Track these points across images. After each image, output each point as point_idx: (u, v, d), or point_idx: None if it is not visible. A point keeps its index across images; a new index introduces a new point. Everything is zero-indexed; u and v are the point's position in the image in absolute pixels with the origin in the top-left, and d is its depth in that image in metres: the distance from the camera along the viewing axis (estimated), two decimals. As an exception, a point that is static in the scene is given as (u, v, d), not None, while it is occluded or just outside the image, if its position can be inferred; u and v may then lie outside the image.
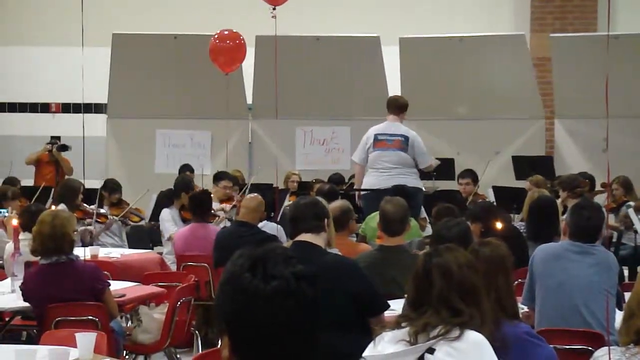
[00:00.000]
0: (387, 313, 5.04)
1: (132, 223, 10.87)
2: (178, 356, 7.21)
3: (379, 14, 14.66)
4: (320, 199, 6.06)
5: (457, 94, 13.44)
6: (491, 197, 11.01)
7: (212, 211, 9.61)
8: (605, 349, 3.45)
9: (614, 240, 10.32)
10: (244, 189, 10.76)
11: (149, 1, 15.26)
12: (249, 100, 13.76)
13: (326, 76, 13.42)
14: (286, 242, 6.51)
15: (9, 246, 7.40)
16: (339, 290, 4.87)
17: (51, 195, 10.81)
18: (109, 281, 6.35)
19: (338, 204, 7.67)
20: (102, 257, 8.38)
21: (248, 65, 13.19)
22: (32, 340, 6.54)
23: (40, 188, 10.99)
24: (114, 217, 10.40)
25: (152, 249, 10.81)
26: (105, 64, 13.34)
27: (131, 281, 7.34)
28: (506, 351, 3.74)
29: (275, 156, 13.16)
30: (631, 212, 10.01)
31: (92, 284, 6.06)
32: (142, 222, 11.00)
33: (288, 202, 10.46)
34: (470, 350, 3.44)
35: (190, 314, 7.09)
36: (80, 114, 13.65)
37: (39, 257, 6.10)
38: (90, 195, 10.23)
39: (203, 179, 11.81)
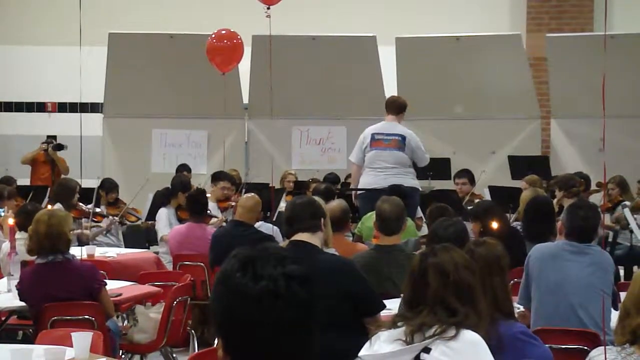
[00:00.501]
0: (383, 313, 5.04)
1: (129, 223, 10.88)
2: (174, 356, 7.21)
3: (376, 13, 14.66)
4: (316, 198, 6.06)
5: (454, 94, 13.44)
6: (487, 196, 11.02)
7: (209, 212, 9.60)
8: (600, 348, 3.45)
9: (610, 240, 10.33)
10: (240, 188, 10.76)
11: (145, 1, 15.25)
12: (246, 100, 13.76)
13: (323, 76, 13.42)
14: (282, 242, 6.51)
15: (5, 245, 7.40)
16: (335, 290, 4.87)
17: (47, 195, 10.80)
18: (105, 280, 6.35)
19: (338, 203, 7.66)
20: (99, 257, 8.39)
21: (245, 65, 13.19)
22: (28, 339, 6.54)
23: (36, 187, 10.97)
24: (114, 217, 10.40)
25: (149, 248, 10.81)
26: (101, 64, 13.33)
27: (127, 280, 7.34)
28: (502, 351, 3.74)
29: (272, 156, 13.16)
30: (627, 211, 10.02)
31: (88, 284, 6.06)
32: (139, 222, 11.00)
33: (284, 201, 10.46)
34: (466, 349, 3.45)
35: (187, 313, 7.08)
36: (77, 114, 13.63)
37: (35, 257, 6.09)
38: (86, 195, 10.23)
39: (199, 179, 11.82)
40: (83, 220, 10.05)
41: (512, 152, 12.94)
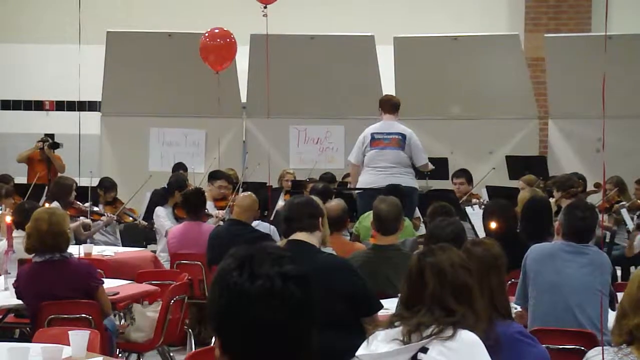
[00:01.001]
0: (380, 312, 5.04)
1: (124, 222, 10.87)
2: (171, 354, 7.20)
3: (374, 13, 14.66)
4: (314, 197, 6.06)
5: (451, 94, 13.44)
6: (485, 196, 11.02)
7: (206, 211, 9.60)
8: (598, 349, 3.45)
9: (607, 240, 10.33)
10: (237, 187, 10.76)
11: (144, 0, 15.26)
12: (244, 99, 13.75)
13: (320, 75, 13.42)
14: (280, 241, 6.52)
15: (2, 244, 7.39)
16: (332, 290, 4.87)
17: (44, 193, 10.80)
18: (103, 279, 6.35)
19: (336, 203, 7.67)
20: (96, 255, 8.39)
21: (243, 64, 13.19)
22: (25, 337, 6.54)
23: (32, 186, 10.96)
24: (112, 215, 10.39)
25: (146, 247, 10.81)
26: (99, 62, 13.33)
27: (125, 279, 7.34)
28: (499, 350, 3.75)
29: (269, 155, 13.15)
30: (624, 212, 10.04)
31: (86, 282, 6.05)
32: (136, 222, 10.98)
33: (282, 200, 10.45)
34: (464, 349, 3.45)
35: (184, 312, 7.08)
36: (75, 112, 13.63)
37: (33, 255, 6.09)
38: (83, 193, 10.22)
39: (196, 178, 11.81)
40: (81, 218, 10.04)
41: (510, 152, 12.94)
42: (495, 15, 14.86)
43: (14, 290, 6.12)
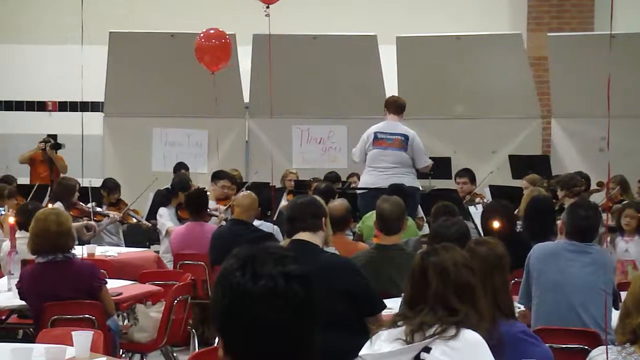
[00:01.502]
0: (384, 312, 5.04)
1: (128, 223, 10.87)
2: (174, 355, 7.21)
3: (376, 12, 14.66)
4: (317, 197, 6.06)
5: (454, 93, 13.44)
6: (488, 196, 11.02)
7: (208, 210, 9.61)
8: (601, 348, 3.45)
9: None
10: (242, 188, 10.76)
11: (146, 0, 15.24)
12: (246, 99, 13.75)
13: (323, 75, 13.41)
14: (283, 241, 6.52)
15: (6, 244, 7.39)
16: (335, 289, 4.87)
17: (47, 194, 10.80)
18: (106, 279, 6.35)
19: (340, 203, 7.66)
20: (99, 256, 8.39)
21: (245, 64, 13.19)
22: (29, 338, 6.54)
23: (35, 187, 10.96)
24: (115, 215, 10.39)
25: (149, 247, 10.81)
26: (102, 63, 13.32)
27: (128, 279, 7.34)
28: (502, 350, 3.74)
29: (272, 155, 13.15)
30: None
31: (89, 282, 6.05)
32: (140, 223, 10.98)
33: (285, 200, 10.45)
34: (467, 349, 3.44)
35: (187, 312, 7.08)
36: (77, 113, 13.63)
37: (36, 256, 6.09)
38: (85, 194, 10.23)
39: (199, 178, 11.81)
40: (84, 219, 10.04)
41: (513, 152, 12.93)
42: (497, 15, 14.86)
43: (17, 291, 6.12)
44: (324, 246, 5.32)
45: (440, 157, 12.75)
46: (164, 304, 6.79)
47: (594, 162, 12.29)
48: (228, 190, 10.69)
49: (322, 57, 13.36)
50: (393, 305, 5.00)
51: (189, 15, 14.56)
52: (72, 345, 4.76)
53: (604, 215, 7.34)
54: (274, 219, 9.65)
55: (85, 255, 7.72)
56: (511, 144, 13.31)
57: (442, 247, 3.76)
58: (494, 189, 11.01)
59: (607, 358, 3.35)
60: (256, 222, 8.47)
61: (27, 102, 15.52)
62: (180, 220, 9.87)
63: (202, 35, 11.19)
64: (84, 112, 13.50)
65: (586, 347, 4.84)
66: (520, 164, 12.28)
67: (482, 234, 7.49)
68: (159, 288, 7.11)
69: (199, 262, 8.38)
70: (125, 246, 10.22)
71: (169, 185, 10.70)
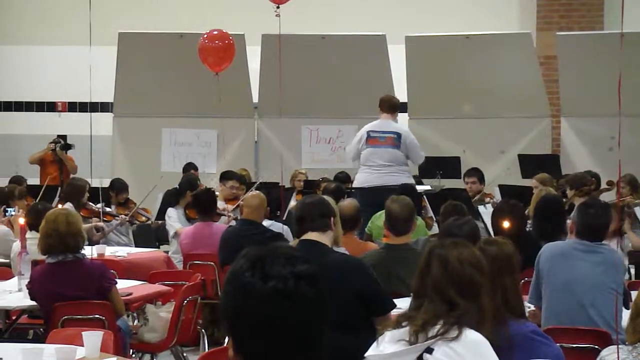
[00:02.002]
0: (394, 312, 5.03)
1: (138, 222, 10.89)
2: (184, 355, 7.21)
3: (385, 12, 14.65)
4: (326, 197, 6.06)
5: (463, 93, 13.42)
6: (498, 196, 11.00)
7: (217, 210, 9.61)
8: (612, 347, 3.45)
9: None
10: (252, 188, 10.77)
11: (155, 0, 15.27)
12: (255, 99, 13.76)
13: (332, 75, 13.42)
14: (292, 241, 6.52)
15: (16, 245, 7.41)
16: (345, 290, 4.87)
17: (57, 194, 10.82)
18: (116, 280, 6.36)
19: (349, 202, 7.66)
20: (109, 256, 8.40)
21: (254, 64, 13.20)
22: (39, 338, 6.55)
23: (44, 187, 10.98)
24: (122, 215, 10.41)
25: (159, 247, 10.82)
26: (111, 63, 13.35)
27: (137, 280, 7.35)
28: (512, 350, 3.73)
29: (281, 155, 13.16)
30: (638, 210, 9.99)
31: (99, 283, 6.06)
32: (149, 222, 11.01)
33: (294, 200, 10.46)
34: (469, 349, 3.42)
35: (197, 312, 7.09)
36: (87, 113, 13.66)
37: (46, 256, 6.10)
38: (95, 194, 10.24)
39: (208, 178, 11.82)
40: (94, 219, 10.07)
41: (522, 151, 12.92)
42: (507, 14, 14.84)
43: (27, 291, 6.14)
44: (333, 246, 5.32)
45: (449, 157, 12.77)
46: (174, 304, 6.80)
47: (604, 162, 12.27)
48: (237, 191, 10.70)
49: (331, 57, 13.36)
50: (403, 305, 4.99)
51: (198, 16, 14.57)
52: (82, 346, 4.77)
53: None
54: (283, 218, 9.66)
55: (95, 256, 7.73)
56: (521, 143, 13.30)
57: (451, 243, 3.76)
58: (504, 189, 10.99)
59: (617, 357, 3.35)
60: (266, 222, 8.47)
61: (36, 102, 15.56)
62: (189, 220, 9.88)
63: (205, 36, 11.23)
64: (93, 113, 13.56)
65: (597, 347, 4.84)
66: (529, 164, 12.26)
67: (491, 234, 7.49)
68: (169, 288, 7.11)
69: (209, 262, 8.38)
70: (135, 246, 10.23)
71: (177, 186, 10.72)
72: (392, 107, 10.56)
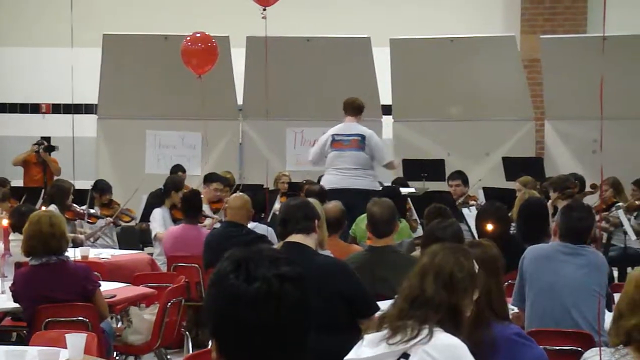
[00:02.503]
0: (378, 314, 5.03)
1: (123, 223, 10.86)
2: (168, 357, 7.21)
3: (370, 15, 14.66)
4: (310, 199, 6.06)
5: (448, 95, 13.45)
6: (482, 198, 11.03)
7: (203, 212, 9.61)
8: (595, 349, 3.46)
9: (604, 241, 10.34)
10: (237, 191, 10.76)
11: (140, 2, 15.24)
12: (240, 101, 13.75)
13: (317, 77, 13.42)
14: (277, 244, 6.52)
15: (-1, 247, 7.38)
16: (329, 292, 4.87)
17: (41, 196, 10.79)
18: (99, 282, 6.35)
19: (334, 205, 7.65)
20: (93, 258, 8.37)
21: (239, 66, 13.19)
22: (22, 341, 6.53)
23: (28, 189, 10.95)
24: (108, 217, 10.38)
25: (143, 249, 10.80)
26: (96, 65, 13.32)
27: (121, 282, 7.33)
28: (496, 352, 3.74)
29: (266, 157, 13.15)
30: (620, 213, 10.04)
31: (83, 285, 6.05)
32: (133, 223, 10.99)
33: (278, 203, 10.46)
34: (443, 353, 3.41)
35: (181, 314, 7.08)
36: (71, 115, 13.61)
37: (30, 258, 6.08)
38: (80, 196, 10.21)
39: (192, 180, 11.80)
40: (77, 221, 10.04)
41: (506, 154, 12.95)
42: (491, 17, 14.87)
43: (10, 293, 6.12)
44: (318, 249, 5.32)
45: (433, 159, 12.79)
46: (158, 306, 6.79)
47: (588, 164, 12.31)
48: (221, 193, 10.70)
49: (315, 59, 13.37)
50: (385, 307, 4.99)
51: (182, 18, 14.54)
52: (65, 348, 4.76)
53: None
54: (268, 221, 9.65)
55: (78, 258, 7.71)
56: (505, 146, 13.33)
57: (451, 247, 3.73)
58: (488, 191, 11.02)
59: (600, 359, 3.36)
60: (251, 225, 8.47)
61: (20, 104, 15.50)
62: (175, 220, 9.86)
63: (188, 38, 11.24)
64: (78, 115, 13.52)
65: (580, 349, 4.85)
66: (513, 166, 12.29)
67: (475, 236, 7.50)
68: (153, 290, 7.10)
69: (193, 264, 8.37)
70: (119, 248, 10.20)
71: (162, 187, 10.70)
72: (356, 109, 10.57)
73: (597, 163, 11.95)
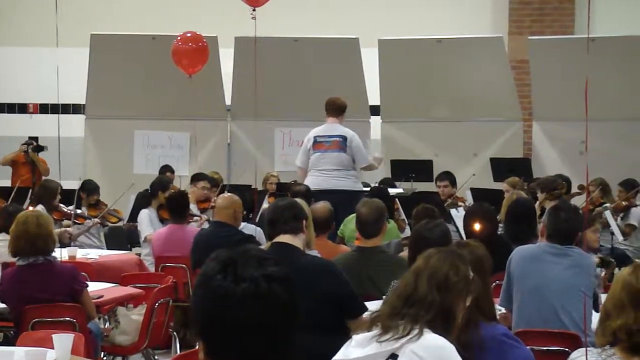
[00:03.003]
0: (365, 314, 5.04)
1: (110, 224, 10.84)
2: (156, 358, 7.19)
3: (358, 15, 14.67)
4: (298, 200, 6.06)
5: (436, 96, 13.46)
6: (470, 199, 11.05)
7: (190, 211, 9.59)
8: (581, 350, 3.46)
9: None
10: (221, 189, 10.75)
11: (128, 2, 15.21)
12: (228, 102, 13.74)
13: (305, 78, 13.42)
14: (265, 244, 6.52)
15: (-14, 247, 7.36)
16: (316, 292, 4.88)
17: (29, 196, 10.76)
18: (87, 282, 6.33)
19: (322, 205, 7.65)
20: (80, 258, 8.36)
21: (227, 67, 13.18)
22: (9, 341, 6.51)
23: (15, 189, 10.92)
24: (94, 218, 10.36)
25: (130, 250, 10.78)
26: (83, 65, 13.29)
27: (109, 282, 7.32)
28: (483, 353, 3.75)
29: (254, 157, 13.15)
30: (608, 213, 10.07)
31: (70, 285, 6.04)
32: (121, 223, 10.97)
33: (267, 203, 10.45)
34: (431, 354, 3.41)
35: (169, 315, 7.07)
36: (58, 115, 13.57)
37: (17, 258, 6.07)
38: (67, 196, 10.19)
39: (181, 180, 11.78)
40: (64, 221, 10.02)
41: (494, 155, 12.98)
42: (479, 18, 14.89)
43: (-3, 293, 6.10)
44: (306, 249, 5.32)
45: (421, 160, 12.80)
46: (146, 306, 6.78)
47: (575, 165, 12.34)
48: (208, 192, 10.69)
49: (303, 59, 13.36)
50: (373, 308, 5.00)
51: (170, 18, 14.52)
52: (52, 348, 4.75)
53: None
54: (256, 221, 9.65)
55: (66, 258, 7.70)
56: (492, 146, 13.35)
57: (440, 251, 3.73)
58: (475, 192, 11.04)
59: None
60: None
61: (7, 104, 15.45)
62: (162, 221, 9.85)
63: (179, 38, 11.23)
64: (65, 115, 13.48)
65: (566, 349, 4.86)
66: (501, 167, 12.32)
67: (463, 237, 7.51)
68: (141, 291, 7.09)
69: (181, 265, 8.36)
70: (107, 249, 10.19)
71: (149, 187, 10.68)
72: (337, 109, 10.52)
73: (584, 164, 11.98)
